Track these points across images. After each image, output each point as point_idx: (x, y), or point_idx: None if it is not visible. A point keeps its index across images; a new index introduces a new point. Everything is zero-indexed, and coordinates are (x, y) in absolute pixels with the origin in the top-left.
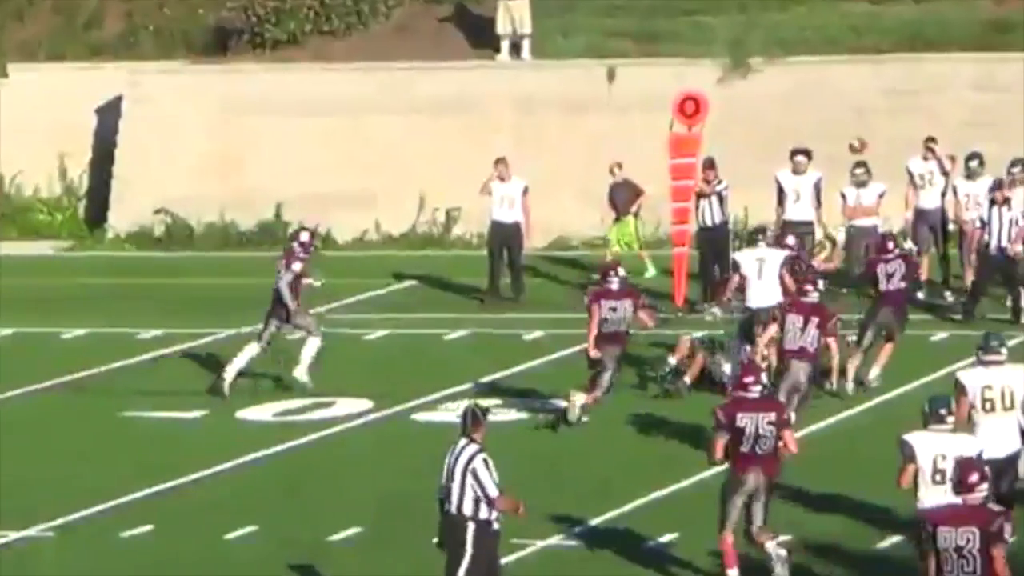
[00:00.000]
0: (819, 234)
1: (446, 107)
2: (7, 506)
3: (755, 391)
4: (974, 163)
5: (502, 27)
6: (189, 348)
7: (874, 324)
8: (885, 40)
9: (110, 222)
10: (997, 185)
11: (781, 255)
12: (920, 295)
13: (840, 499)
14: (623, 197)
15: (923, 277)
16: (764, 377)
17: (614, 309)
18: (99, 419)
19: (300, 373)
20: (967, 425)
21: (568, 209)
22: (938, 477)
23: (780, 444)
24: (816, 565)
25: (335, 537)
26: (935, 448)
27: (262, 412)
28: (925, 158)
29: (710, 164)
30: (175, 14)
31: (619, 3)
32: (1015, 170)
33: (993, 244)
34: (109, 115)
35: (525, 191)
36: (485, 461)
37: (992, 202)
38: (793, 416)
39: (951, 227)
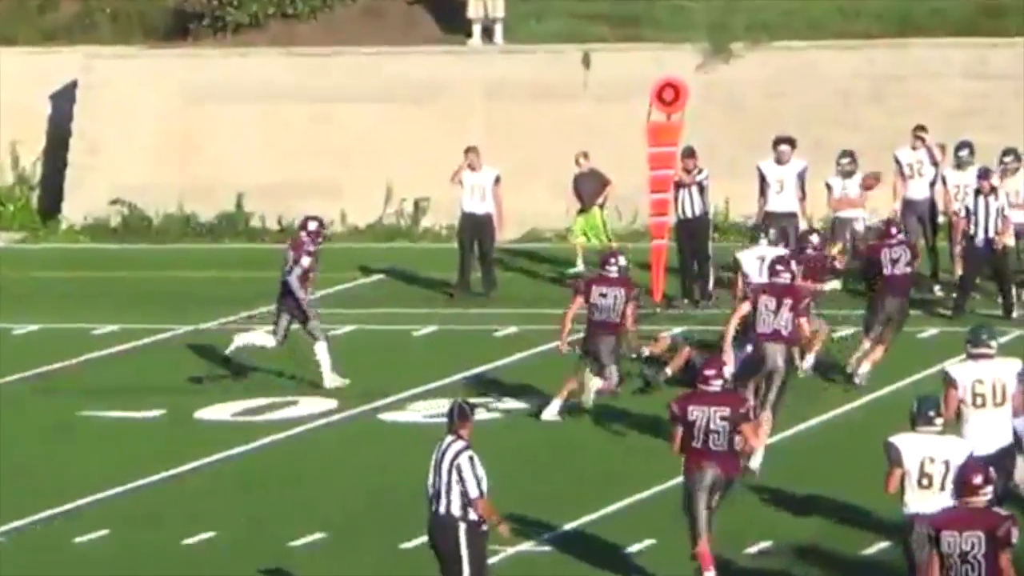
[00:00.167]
0: (803, 226)
1: (415, 94)
2: None
3: (715, 384)
4: (964, 153)
5: (473, 11)
6: (147, 344)
7: (882, 313)
8: (873, 24)
9: (64, 213)
10: (983, 174)
11: (780, 252)
12: None
13: (824, 501)
14: (589, 188)
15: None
16: (728, 371)
17: (604, 295)
18: (53, 419)
19: (328, 379)
20: (954, 420)
21: (542, 200)
22: (924, 481)
23: (740, 441)
24: (798, 570)
25: (297, 543)
26: (922, 451)
27: (221, 412)
28: (914, 147)
29: (690, 153)
30: None
31: None
32: (1007, 160)
33: (979, 236)
34: (63, 101)
35: (497, 181)
36: (471, 459)
37: (978, 191)
38: (772, 397)
39: (940, 219)
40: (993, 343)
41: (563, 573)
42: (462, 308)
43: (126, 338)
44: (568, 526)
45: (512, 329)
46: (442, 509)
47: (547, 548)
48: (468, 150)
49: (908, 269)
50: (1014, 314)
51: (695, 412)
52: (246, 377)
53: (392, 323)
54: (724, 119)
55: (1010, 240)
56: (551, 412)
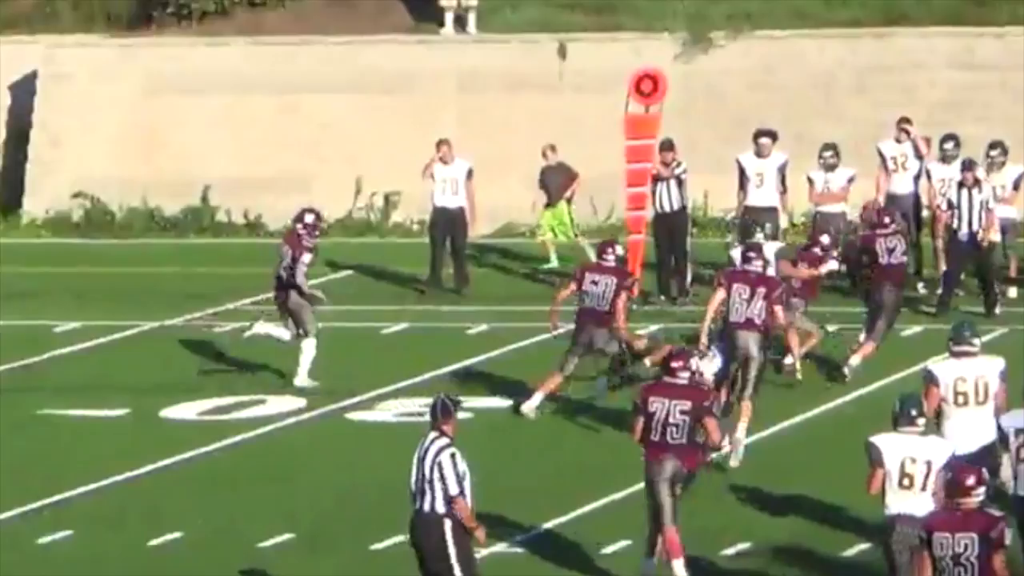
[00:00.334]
0: (784, 221)
1: (385, 85)
2: None
3: (682, 377)
4: (950, 145)
5: None
6: (111, 342)
7: (878, 303)
8: (857, 13)
9: (25, 207)
10: (967, 166)
11: (775, 247)
12: None
13: (804, 501)
14: (556, 182)
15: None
16: (695, 363)
17: (595, 283)
18: (14, 417)
19: (301, 378)
20: (933, 419)
21: (516, 194)
22: (905, 481)
23: (704, 436)
24: (776, 572)
25: (266, 544)
26: (903, 451)
27: (187, 411)
28: (898, 140)
29: (668, 146)
30: None
31: None
32: (994, 153)
33: (963, 230)
34: (24, 92)
35: (470, 174)
36: (453, 456)
37: (961, 184)
38: (749, 389)
39: (924, 213)
40: (976, 341)
41: (537, 574)
42: (433, 305)
43: (89, 335)
44: (544, 526)
45: (485, 326)
46: (426, 506)
47: (520, 549)
48: (440, 143)
49: (904, 259)
50: (997, 311)
51: (655, 404)
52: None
53: (361, 320)
54: (703, 111)
55: (996, 236)
56: (530, 405)
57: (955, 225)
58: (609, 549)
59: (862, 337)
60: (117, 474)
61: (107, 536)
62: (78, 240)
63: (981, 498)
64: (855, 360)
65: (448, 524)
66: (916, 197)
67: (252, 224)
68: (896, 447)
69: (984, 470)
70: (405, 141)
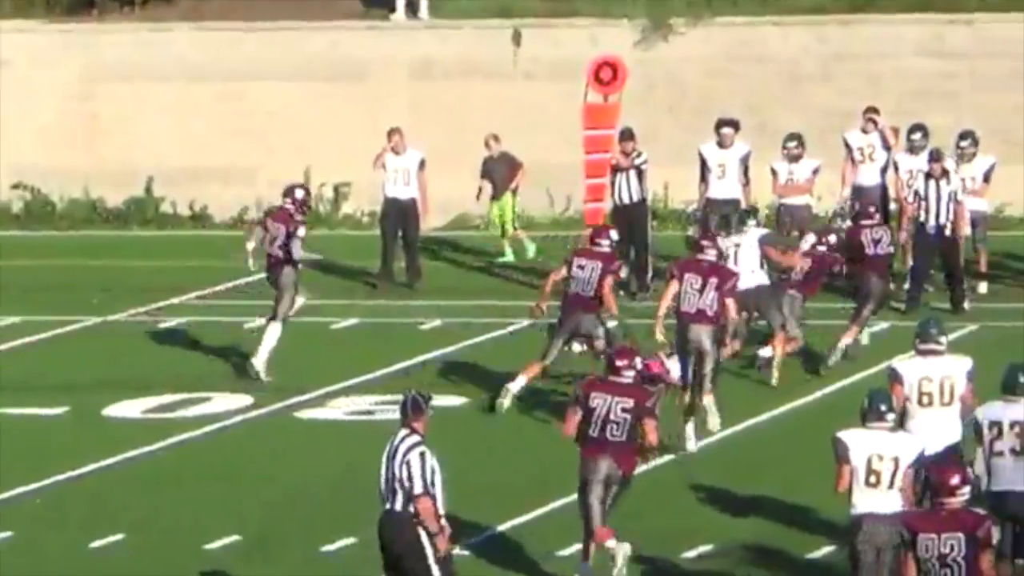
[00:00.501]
0: None
1: (335, 72)
2: None
3: (626, 375)
4: (917, 136)
5: None
6: (51, 337)
7: (864, 293)
8: None
9: None
10: (935, 157)
11: (759, 233)
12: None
13: (769, 502)
14: (501, 173)
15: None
16: (639, 363)
17: (581, 267)
18: None
19: (258, 362)
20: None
21: (469, 185)
22: (872, 479)
23: (642, 436)
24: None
25: (212, 545)
26: (871, 447)
27: (131, 408)
28: (865, 130)
29: (629, 135)
30: None
31: None
32: (964, 144)
33: (931, 222)
34: None
35: (422, 165)
36: (422, 455)
37: (928, 175)
38: (708, 385)
39: (892, 206)
40: (943, 339)
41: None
42: (385, 299)
43: (29, 331)
44: (498, 528)
45: (438, 322)
46: (397, 506)
47: (467, 552)
48: (391, 132)
49: (891, 249)
50: (966, 306)
51: (597, 399)
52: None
53: (310, 315)
54: (663, 100)
55: (968, 229)
56: (511, 391)
57: (922, 217)
58: (565, 552)
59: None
60: (58, 474)
61: (48, 537)
62: (18, 232)
63: (966, 498)
64: (843, 342)
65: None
66: (883, 189)
67: (197, 216)
68: (863, 443)
69: (969, 469)
70: (355, 130)
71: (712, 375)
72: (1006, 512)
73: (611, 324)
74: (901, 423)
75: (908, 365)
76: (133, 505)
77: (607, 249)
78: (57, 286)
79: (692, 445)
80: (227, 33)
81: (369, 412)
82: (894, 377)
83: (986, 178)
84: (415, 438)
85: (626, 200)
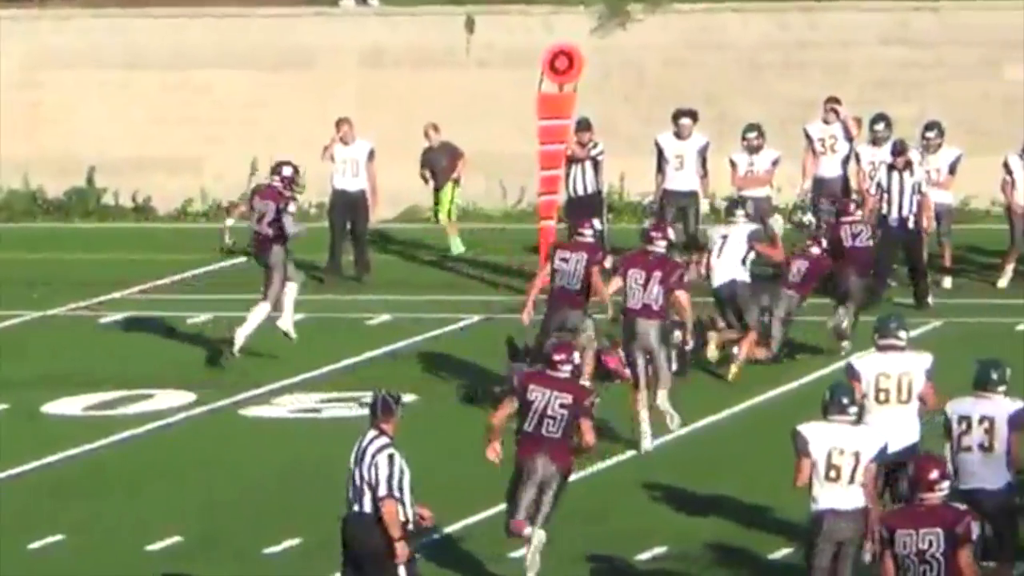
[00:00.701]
0: (704, 206)
1: (282, 60)
2: None
3: (564, 370)
4: (880, 127)
5: None
6: None
7: (843, 289)
8: None
9: None
10: (898, 149)
11: (748, 228)
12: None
13: (727, 501)
14: (442, 163)
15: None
16: (576, 357)
17: (565, 260)
18: None
19: (239, 340)
20: None
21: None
22: (832, 473)
23: (578, 434)
24: None
25: (154, 547)
26: (831, 441)
27: (71, 406)
28: (827, 120)
29: (585, 126)
30: None
31: None
32: (931, 134)
33: (893, 215)
34: None
35: (371, 155)
36: (391, 457)
37: (892, 167)
38: (662, 389)
39: (854, 198)
40: (902, 334)
41: None
42: (332, 293)
43: None
44: (447, 529)
45: (387, 316)
46: (366, 508)
47: (423, 553)
48: (340, 121)
49: (870, 243)
50: (930, 301)
51: (535, 392)
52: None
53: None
54: (620, 89)
55: (933, 222)
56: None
57: (884, 210)
58: (516, 553)
59: (840, 311)
60: None
61: None
62: None
63: (945, 493)
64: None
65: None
66: (845, 180)
67: (140, 207)
68: (823, 437)
69: (949, 465)
70: (303, 120)
71: (666, 371)
72: (976, 511)
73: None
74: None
75: (865, 361)
76: (73, 505)
77: (590, 239)
78: None
79: (648, 443)
80: (172, 20)
81: (315, 410)
82: (851, 373)
83: (952, 170)
84: (384, 440)
85: (580, 192)
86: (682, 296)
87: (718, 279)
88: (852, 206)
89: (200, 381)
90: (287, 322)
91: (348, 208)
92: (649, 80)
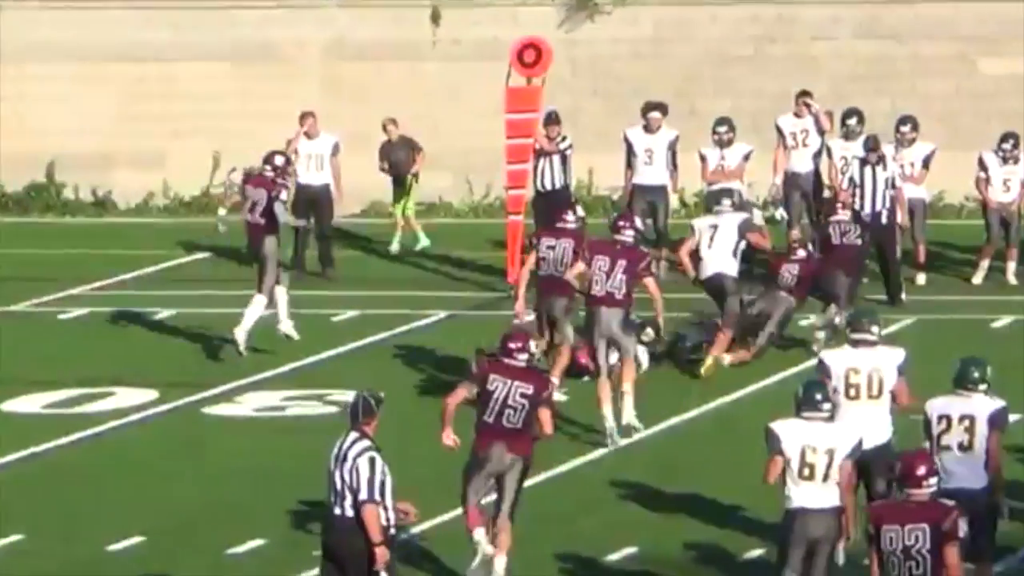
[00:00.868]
0: (674, 201)
1: (245, 53)
2: None
3: (520, 359)
4: (852, 121)
5: None
6: None
7: (829, 288)
8: None
9: None
10: (871, 145)
11: (738, 218)
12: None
13: (699, 501)
14: (401, 158)
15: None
16: (534, 346)
17: (552, 247)
18: None
19: (240, 333)
20: None
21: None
22: (806, 471)
23: (537, 424)
24: None
25: (115, 547)
26: (804, 438)
27: (30, 403)
28: (798, 114)
29: (554, 119)
30: None
31: None
32: (905, 128)
33: (866, 210)
34: None
35: (336, 149)
36: (372, 460)
37: (864, 162)
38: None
39: (826, 193)
40: (875, 329)
41: None
42: (296, 290)
43: None
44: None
45: (352, 313)
46: (348, 511)
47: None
48: (304, 115)
49: (859, 241)
50: (903, 297)
51: (496, 382)
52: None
53: (218, 306)
54: (589, 83)
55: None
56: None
57: (857, 205)
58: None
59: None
60: None
61: None
62: None
63: (933, 489)
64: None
65: None
66: (816, 175)
67: (101, 202)
68: (796, 434)
69: (936, 461)
70: (266, 114)
71: (631, 363)
72: None
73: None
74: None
75: (835, 355)
76: (33, 505)
77: (573, 226)
78: None
79: (616, 436)
80: (133, 12)
81: (279, 408)
82: (821, 369)
83: (925, 164)
84: (365, 442)
85: (548, 186)
86: (651, 283)
87: (708, 270)
88: (839, 205)
89: (162, 379)
90: (287, 325)
91: (312, 203)
92: (618, 73)
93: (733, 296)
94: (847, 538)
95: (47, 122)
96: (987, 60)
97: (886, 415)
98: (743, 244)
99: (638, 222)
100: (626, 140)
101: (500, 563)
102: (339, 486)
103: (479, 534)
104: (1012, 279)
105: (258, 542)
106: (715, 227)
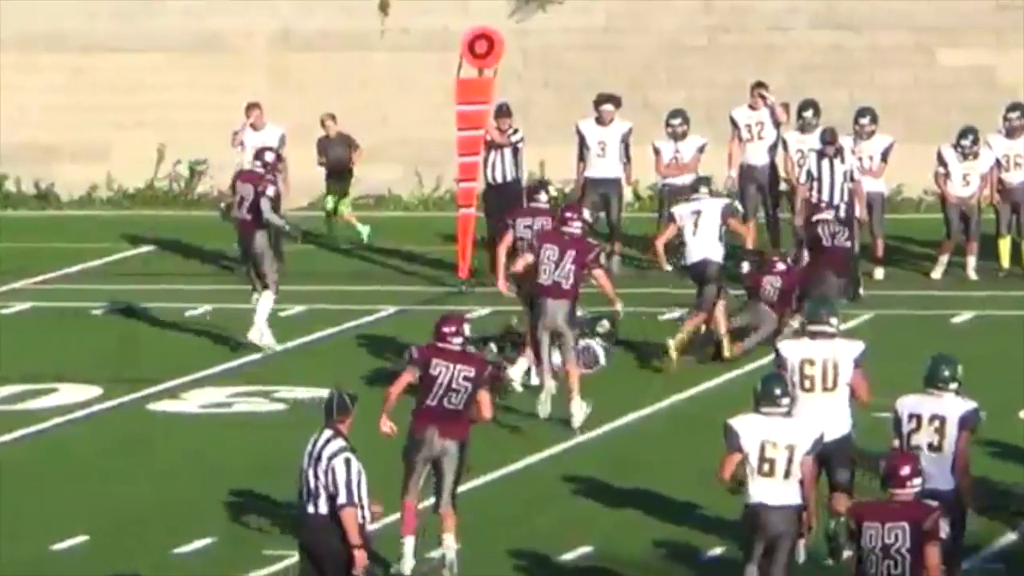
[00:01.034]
0: (628, 194)
1: (190, 43)
2: None
3: (455, 342)
4: (808, 113)
5: None
6: None
7: (818, 290)
8: None
9: None
10: (828, 137)
11: (720, 203)
12: (746, 267)
13: (656, 499)
14: (338, 153)
15: (750, 246)
16: (467, 329)
17: (529, 226)
18: None
19: (256, 334)
20: None
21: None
22: (766, 467)
23: (475, 407)
24: None
25: (60, 546)
26: (764, 434)
27: None
28: (753, 106)
29: (505, 111)
30: None
31: None
32: (864, 120)
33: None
34: None
35: (282, 141)
36: (347, 461)
37: (821, 154)
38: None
39: (782, 186)
40: (834, 321)
41: None
42: (244, 284)
43: None
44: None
45: (300, 308)
46: (322, 509)
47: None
48: (250, 106)
49: (848, 244)
50: (861, 292)
51: (439, 367)
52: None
53: (163, 300)
54: (540, 74)
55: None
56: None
57: (814, 199)
58: (433, 553)
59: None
60: None
61: None
62: None
63: (917, 489)
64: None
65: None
66: (772, 168)
67: (44, 195)
68: (756, 430)
69: (920, 460)
70: (211, 105)
71: (575, 348)
72: None
73: (485, 311)
74: None
75: (791, 345)
76: None
77: (545, 205)
78: None
79: (545, 409)
80: (77, 1)
81: (225, 404)
82: (777, 360)
83: (884, 157)
84: (340, 442)
85: (499, 179)
86: (600, 276)
87: (694, 256)
88: (823, 204)
89: (106, 374)
90: (256, 330)
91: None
92: (570, 65)
93: (714, 283)
94: (809, 529)
95: None
96: (946, 51)
97: (844, 408)
98: (724, 228)
99: (586, 213)
100: (578, 132)
101: (449, 540)
102: (312, 484)
103: (408, 545)
104: (972, 274)
105: (205, 541)
106: (698, 213)
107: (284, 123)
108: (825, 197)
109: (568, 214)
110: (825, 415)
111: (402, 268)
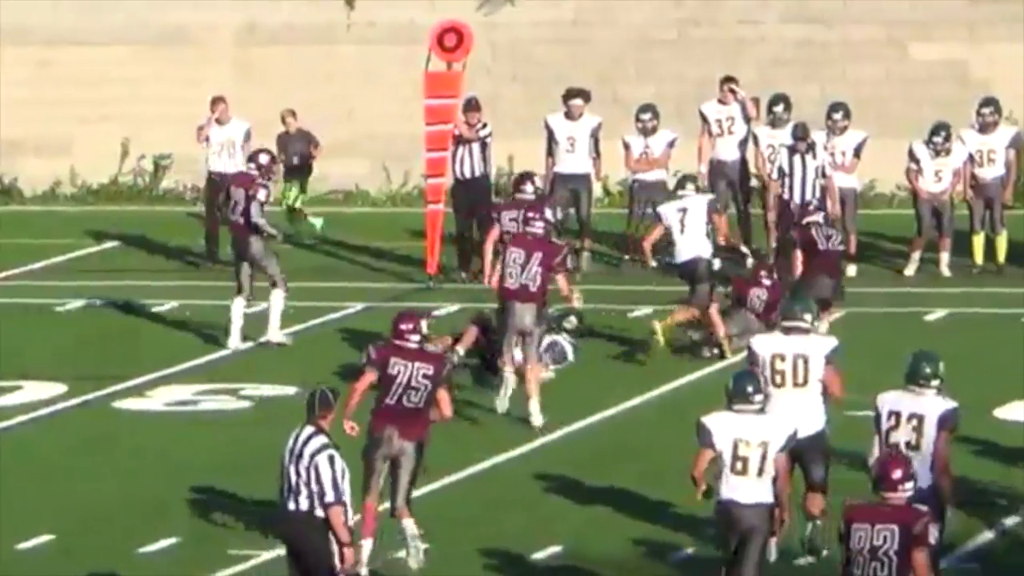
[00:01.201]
0: (598, 189)
1: (154, 37)
2: None
3: (412, 340)
4: (779, 108)
5: None
6: None
7: (813, 293)
8: None
9: None
10: (799, 133)
11: (706, 199)
12: (717, 264)
13: (627, 498)
14: (298, 150)
15: (722, 242)
16: (425, 326)
17: (515, 219)
18: None
19: (274, 334)
20: None
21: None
22: (739, 465)
23: (435, 405)
24: None
25: (25, 545)
26: (736, 432)
27: None
28: (723, 101)
29: (474, 105)
30: None
31: None
32: (837, 116)
33: (795, 199)
34: None
35: (248, 136)
36: (331, 458)
37: (792, 150)
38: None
39: (753, 182)
40: (808, 316)
41: None
42: (209, 280)
43: None
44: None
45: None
46: (303, 506)
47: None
48: (215, 101)
49: (841, 247)
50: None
51: (397, 366)
52: None
53: (128, 297)
54: (508, 68)
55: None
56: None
57: (786, 195)
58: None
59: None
60: None
61: None
62: None
63: (909, 494)
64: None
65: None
66: (743, 163)
67: (7, 190)
68: (728, 427)
69: (912, 463)
70: (176, 99)
71: (536, 350)
72: None
73: (454, 308)
74: None
75: (763, 340)
76: None
77: (530, 196)
78: None
79: (504, 404)
80: None
81: (191, 402)
82: (749, 356)
83: (857, 153)
84: (322, 439)
85: (467, 174)
86: (562, 280)
87: (683, 255)
88: (812, 207)
89: (71, 372)
90: (235, 339)
91: (224, 191)
92: (539, 58)
93: (706, 283)
94: (781, 523)
95: None
96: (918, 45)
97: (816, 404)
98: (711, 225)
99: (547, 213)
100: (547, 127)
101: (409, 524)
102: (294, 481)
103: (366, 548)
104: (945, 271)
105: (170, 540)
106: (684, 211)
107: (249, 117)
108: (797, 193)
109: (530, 214)
110: (797, 411)
111: (370, 264)
